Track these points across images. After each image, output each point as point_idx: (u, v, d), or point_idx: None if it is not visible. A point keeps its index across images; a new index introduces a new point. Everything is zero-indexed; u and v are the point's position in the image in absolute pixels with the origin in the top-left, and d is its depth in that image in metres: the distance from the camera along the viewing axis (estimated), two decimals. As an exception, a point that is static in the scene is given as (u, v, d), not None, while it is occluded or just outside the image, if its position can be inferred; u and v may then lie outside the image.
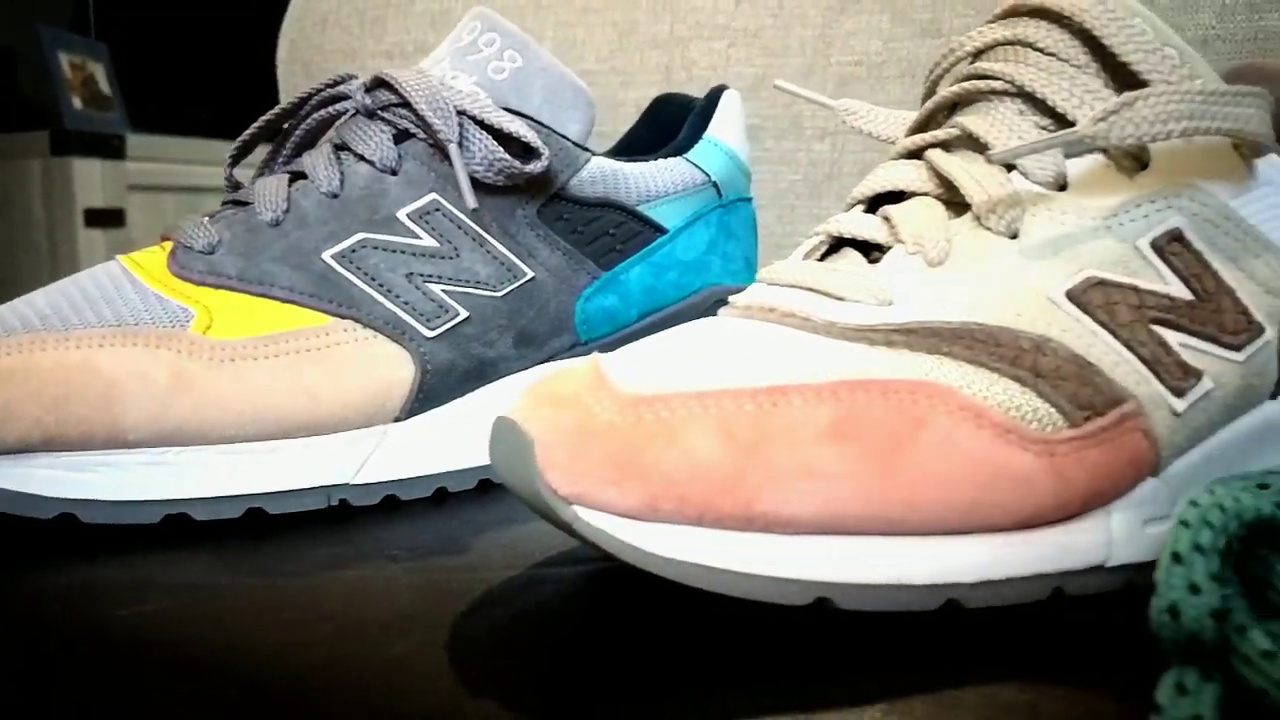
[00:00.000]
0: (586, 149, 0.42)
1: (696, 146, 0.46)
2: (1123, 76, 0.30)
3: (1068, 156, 0.30)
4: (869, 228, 0.31)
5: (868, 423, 0.26)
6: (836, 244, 0.32)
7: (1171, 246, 0.30)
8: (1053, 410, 0.27)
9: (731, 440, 0.25)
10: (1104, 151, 0.30)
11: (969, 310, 0.28)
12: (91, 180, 2.04)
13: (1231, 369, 0.30)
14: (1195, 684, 0.19)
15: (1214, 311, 0.30)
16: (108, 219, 2.03)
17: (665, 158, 0.45)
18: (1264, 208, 0.31)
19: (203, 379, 0.35)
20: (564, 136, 0.42)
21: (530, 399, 0.27)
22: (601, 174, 0.42)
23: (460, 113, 0.39)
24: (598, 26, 0.74)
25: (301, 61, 0.85)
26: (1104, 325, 0.28)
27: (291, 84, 0.86)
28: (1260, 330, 0.31)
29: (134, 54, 2.29)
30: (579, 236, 0.42)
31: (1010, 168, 0.30)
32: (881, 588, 0.25)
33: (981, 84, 0.32)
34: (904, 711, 0.23)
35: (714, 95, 0.47)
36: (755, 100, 0.70)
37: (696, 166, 0.45)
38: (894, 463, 0.25)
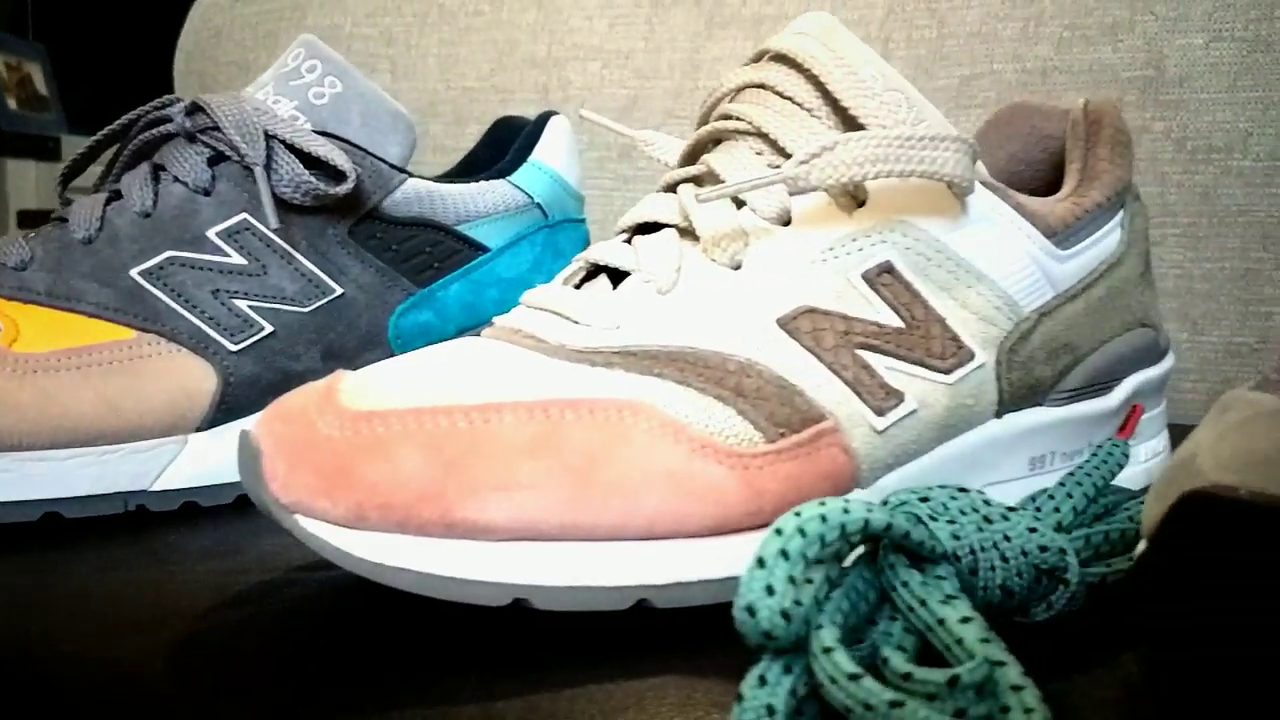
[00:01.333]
0: (403, 170, 0.44)
1: (520, 170, 0.48)
2: (850, 119, 0.33)
3: (792, 194, 0.32)
4: (618, 256, 0.33)
5: (569, 438, 0.28)
6: (596, 270, 0.34)
7: (882, 278, 0.32)
8: (750, 427, 0.30)
9: (437, 453, 0.27)
10: (826, 190, 0.32)
11: (686, 335, 0.31)
12: (26, 182, 2.04)
13: (940, 390, 0.33)
14: (775, 676, 0.21)
15: (922, 338, 0.32)
16: (42, 221, 2.03)
17: (488, 180, 0.47)
18: (977, 242, 0.33)
19: (3, 390, 0.36)
20: (380, 159, 0.44)
21: (267, 414, 0.29)
22: (417, 195, 0.44)
23: (271, 136, 0.41)
24: (479, 45, 0.77)
25: (197, 73, 0.87)
26: (810, 350, 0.31)
27: (188, 95, 0.88)
28: (971, 355, 0.33)
29: (73, 55, 2.28)
30: (393, 254, 0.44)
31: (741, 203, 0.33)
32: (575, 589, 0.28)
33: (728, 124, 0.34)
34: (577, 700, 0.25)
35: (541, 120, 0.49)
36: (628, 120, 0.72)
37: (519, 189, 0.47)
38: (589, 475, 0.28)
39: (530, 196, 0.47)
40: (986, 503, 0.28)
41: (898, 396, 0.32)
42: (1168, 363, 0.41)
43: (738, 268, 0.32)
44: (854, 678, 0.20)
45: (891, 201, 0.33)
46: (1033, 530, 0.28)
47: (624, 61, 0.72)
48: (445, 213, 0.45)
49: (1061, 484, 0.31)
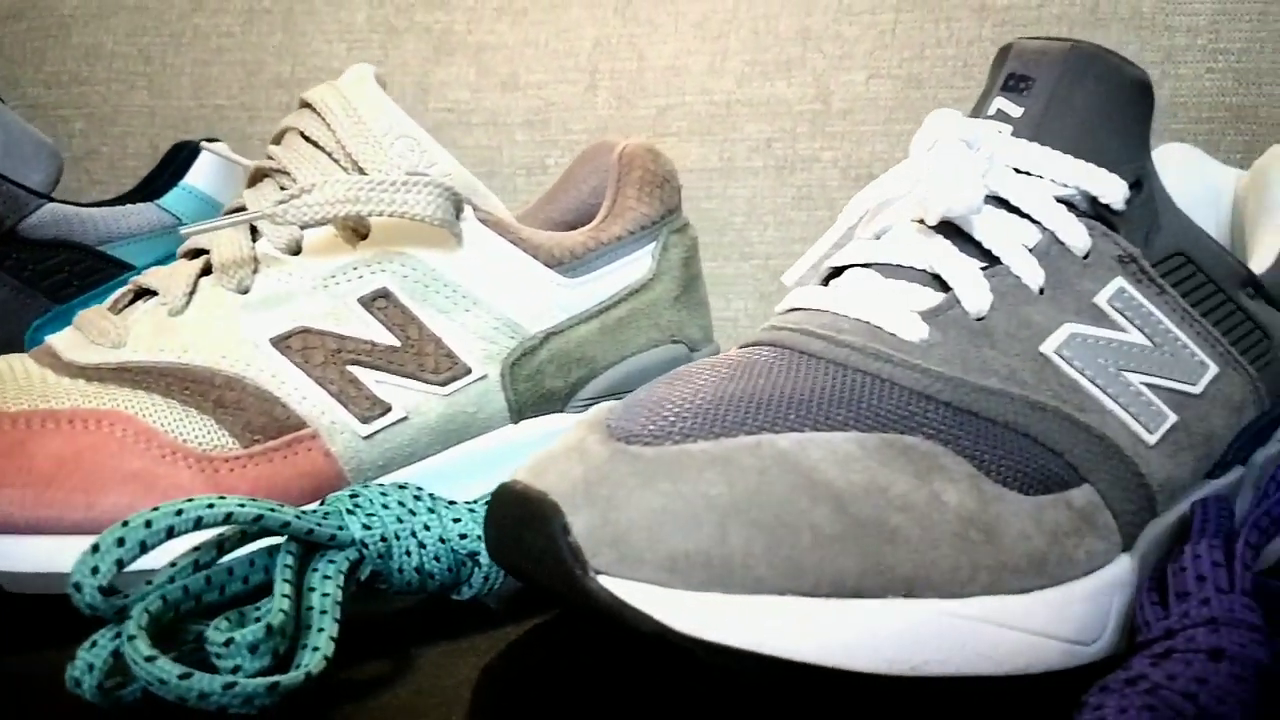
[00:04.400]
0: (43, 195, 0.48)
1: (170, 193, 0.52)
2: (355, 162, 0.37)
3: (303, 228, 0.37)
4: (153, 279, 0.37)
5: (44, 445, 0.32)
6: (142, 293, 0.38)
7: (379, 302, 0.37)
8: (225, 434, 0.34)
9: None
10: (338, 222, 0.37)
11: (184, 352, 0.35)
12: None
13: (434, 400, 0.37)
14: (105, 641, 0.26)
15: (416, 355, 0.37)
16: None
17: (137, 203, 0.51)
18: (474, 271, 0.38)
19: None
20: (16, 184, 0.47)
21: None
22: (54, 218, 0.48)
23: (-102, 166, 0.45)
24: (229, 65, 0.80)
25: (-33, 86, 0.89)
26: (299, 366, 0.35)
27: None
28: (468, 369, 0.38)
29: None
30: (30, 273, 0.47)
31: (258, 234, 0.37)
32: (44, 575, 0.32)
33: (266, 163, 0.39)
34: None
35: (197, 147, 0.53)
36: (364, 140, 0.76)
37: (167, 211, 0.51)
38: (57, 477, 0.32)
39: (179, 219, 0.51)
40: (417, 498, 0.33)
41: (385, 406, 0.36)
42: (705, 375, 0.46)
43: (245, 292, 0.36)
44: (150, 659, 0.24)
45: (392, 235, 0.37)
46: (457, 520, 0.33)
47: (360, 84, 0.76)
48: (86, 234, 0.49)
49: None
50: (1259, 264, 0.39)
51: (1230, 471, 0.34)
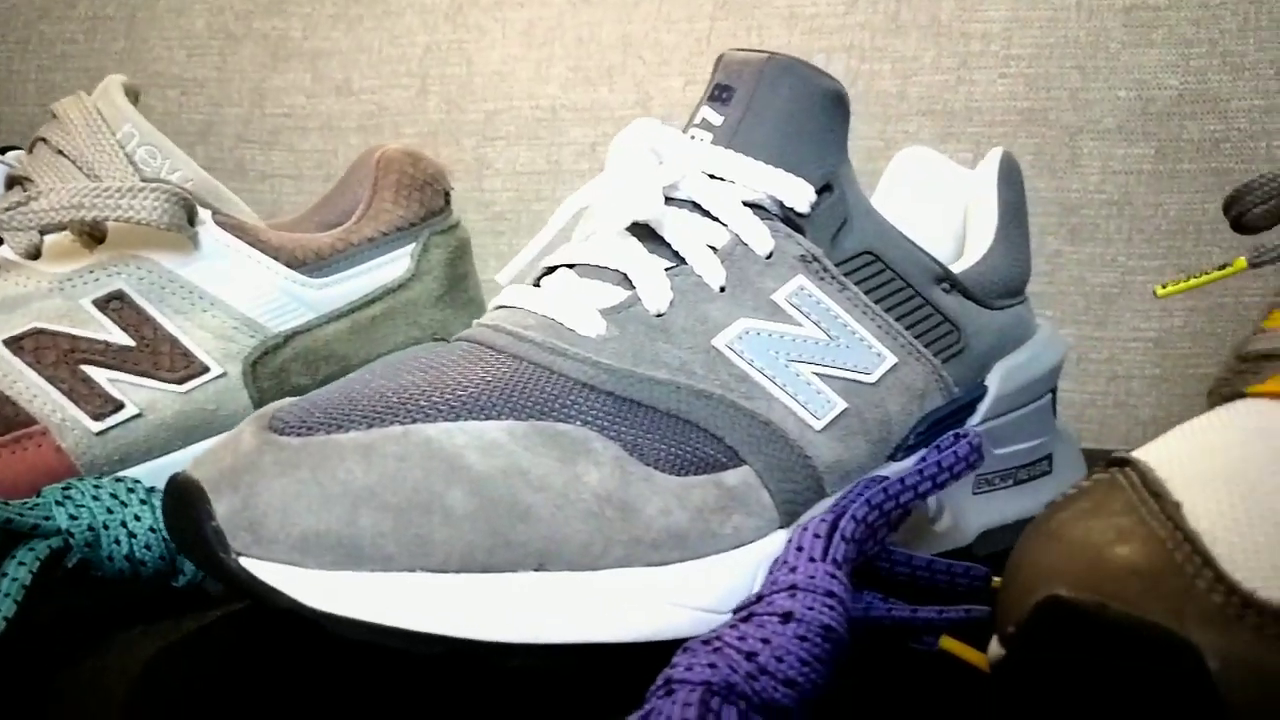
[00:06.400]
0: None
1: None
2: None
3: (42, 234, 0.38)
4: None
5: None
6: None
7: (113, 304, 0.38)
8: (-51, 432, 0.35)
9: None
10: (73, 227, 0.38)
11: (-86, 354, 0.36)
12: None
13: (170, 398, 0.39)
14: None
15: (151, 354, 0.38)
16: None
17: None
18: (211, 273, 0.40)
19: None
20: None
21: None
22: None
23: None
24: (73, 72, 0.81)
25: None
26: (31, 366, 0.37)
27: None
28: (205, 368, 0.39)
29: None
30: None
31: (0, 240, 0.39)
32: None
33: (17, 170, 0.40)
34: None
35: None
36: (204, 145, 0.77)
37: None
38: None
39: None
40: (131, 490, 0.34)
41: (117, 404, 0.38)
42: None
43: (-18, 296, 0.38)
44: None
45: (128, 239, 0.39)
46: (170, 511, 0.34)
47: (199, 89, 0.78)
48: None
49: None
50: (967, 259, 0.41)
51: (915, 455, 0.37)
